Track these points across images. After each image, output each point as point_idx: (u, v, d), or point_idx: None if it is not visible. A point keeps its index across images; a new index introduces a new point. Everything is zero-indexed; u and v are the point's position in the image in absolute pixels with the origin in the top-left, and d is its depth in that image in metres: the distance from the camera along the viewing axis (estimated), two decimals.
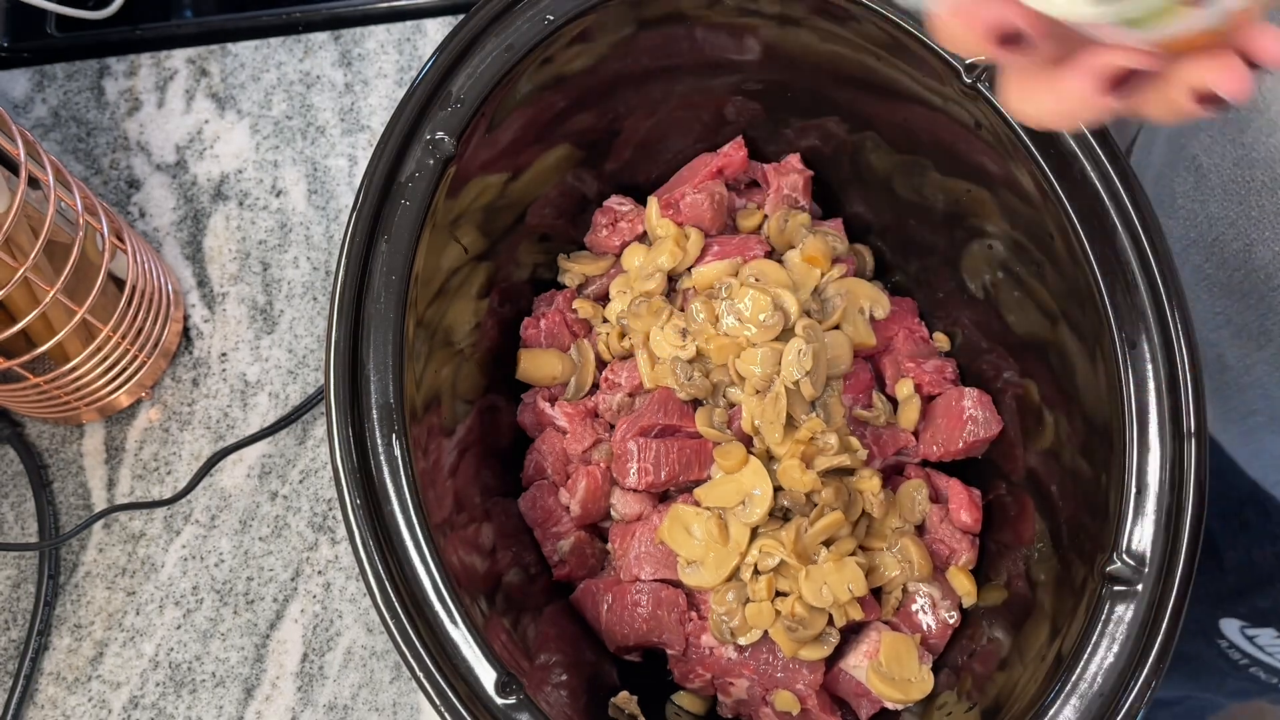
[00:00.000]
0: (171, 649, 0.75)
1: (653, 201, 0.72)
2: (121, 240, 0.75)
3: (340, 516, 0.77)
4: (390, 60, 0.89)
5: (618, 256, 0.74)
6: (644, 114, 0.70)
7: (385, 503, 0.53)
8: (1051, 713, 0.53)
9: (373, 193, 0.57)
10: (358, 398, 0.55)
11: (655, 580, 0.65)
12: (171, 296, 0.80)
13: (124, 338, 0.75)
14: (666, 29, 0.64)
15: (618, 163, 0.73)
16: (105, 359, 0.75)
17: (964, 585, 0.66)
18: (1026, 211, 0.61)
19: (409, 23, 0.91)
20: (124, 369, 0.77)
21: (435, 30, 0.90)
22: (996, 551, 0.67)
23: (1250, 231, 0.71)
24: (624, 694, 0.63)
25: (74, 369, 0.73)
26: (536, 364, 0.70)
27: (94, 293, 0.70)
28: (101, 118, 0.87)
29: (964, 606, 0.67)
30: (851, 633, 0.66)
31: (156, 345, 0.79)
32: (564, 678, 0.61)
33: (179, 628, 0.76)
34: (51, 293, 0.66)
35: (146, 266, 0.77)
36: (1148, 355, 0.55)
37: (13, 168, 0.65)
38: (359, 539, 0.52)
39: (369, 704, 0.74)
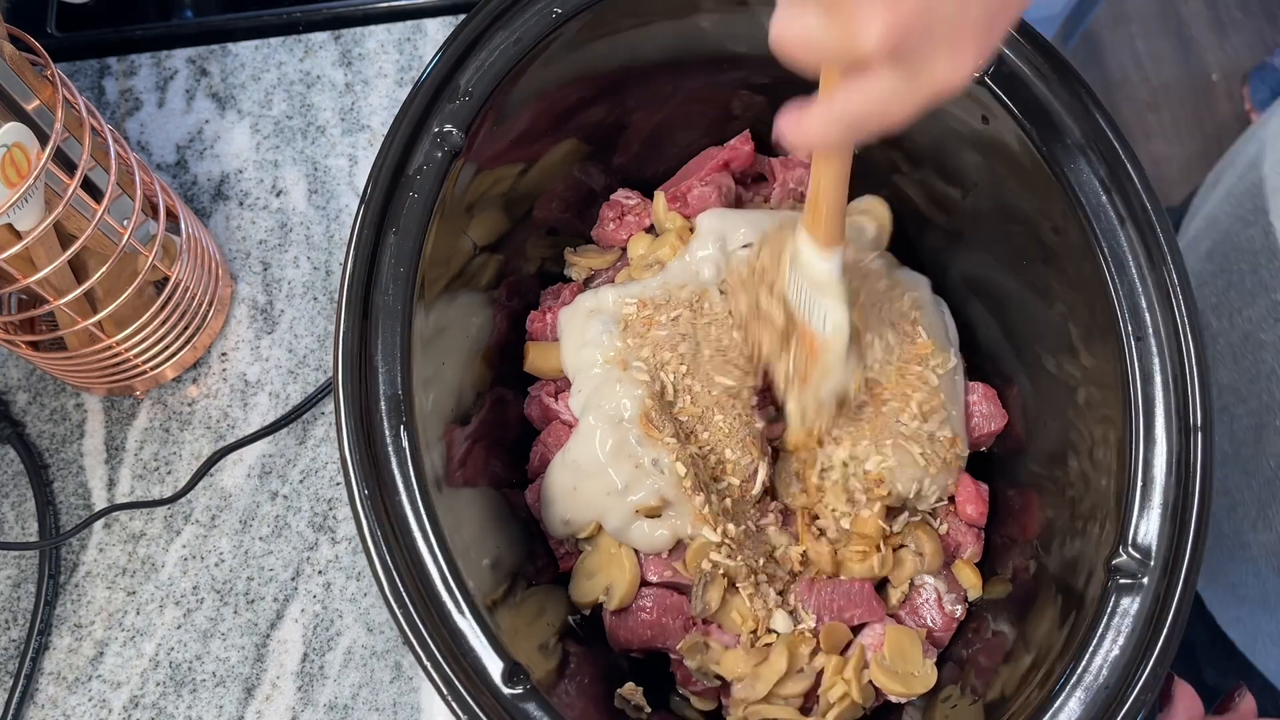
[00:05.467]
0: (172, 649, 0.75)
1: (660, 195, 0.72)
2: (177, 232, 0.77)
3: (341, 516, 0.77)
4: (390, 60, 0.89)
5: (624, 250, 0.74)
6: (651, 108, 0.70)
7: (393, 493, 0.53)
8: (1056, 705, 0.53)
9: (381, 185, 0.57)
10: (366, 389, 0.54)
11: (661, 585, 0.65)
12: (220, 273, 0.82)
13: (176, 309, 0.77)
14: (674, 23, 0.65)
15: (625, 156, 0.74)
16: (164, 323, 0.77)
17: (969, 578, 0.66)
18: (1033, 205, 0.61)
19: (409, 23, 0.91)
20: (175, 338, 0.78)
21: (435, 30, 0.90)
22: (1001, 545, 0.67)
23: (1262, 414, 0.71)
24: (629, 685, 0.63)
25: (139, 329, 0.75)
26: (543, 357, 0.70)
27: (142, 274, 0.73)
28: (101, 117, 0.87)
29: (969, 600, 0.67)
30: (854, 628, 0.66)
31: (208, 316, 0.80)
32: (571, 667, 0.60)
33: (179, 627, 0.75)
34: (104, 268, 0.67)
35: (199, 247, 0.79)
36: (1154, 349, 0.55)
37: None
38: (367, 529, 0.52)
39: (369, 704, 0.74)
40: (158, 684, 0.74)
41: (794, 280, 0.61)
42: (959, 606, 0.66)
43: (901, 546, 0.67)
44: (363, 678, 0.74)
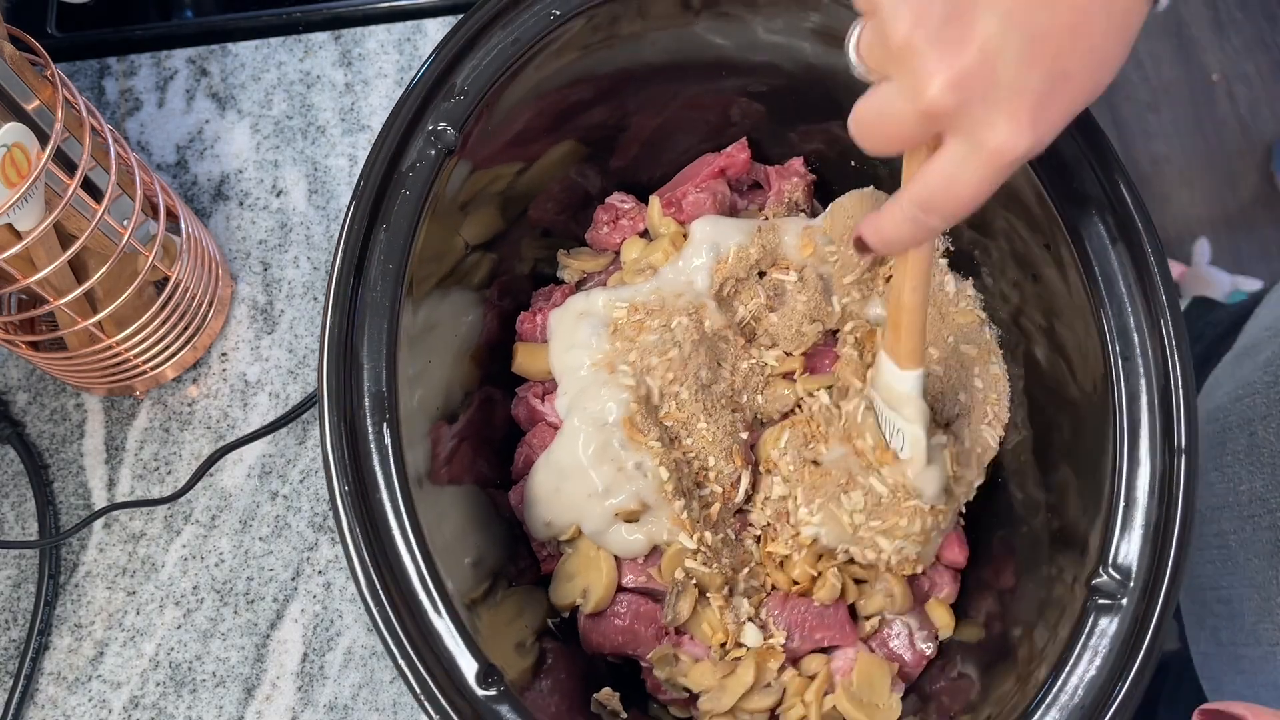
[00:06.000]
0: (172, 649, 0.76)
1: (654, 200, 0.72)
2: (178, 233, 0.77)
3: None
4: (390, 60, 0.89)
5: (618, 254, 0.74)
6: (650, 112, 0.70)
7: (374, 491, 0.53)
8: None
9: (373, 182, 0.57)
10: (350, 385, 0.55)
11: (636, 591, 0.65)
12: (220, 273, 0.82)
13: (176, 309, 0.77)
14: (674, 29, 0.64)
15: (622, 160, 0.73)
16: (164, 323, 0.77)
17: (943, 618, 0.66)
18: (1022, 222, 0.61)
19: (409, 23, 0.90)
20: (175, 338, 0.79)
21: (435, 30, 0.90)
22: (976, 584, 0.67)
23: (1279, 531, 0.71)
24: (606, 690, 0.63)
25: (139, 329, 0.75)
26: (532, 358, 0.70)
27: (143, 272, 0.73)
28: (101, 117, 0.88)
29: (940, 639, 0.66)
30: (824, 650, 0.66)
31: (208, 317, 0.81)
32: (548, 670, 0.61)
33: (179, 627, 0.76)
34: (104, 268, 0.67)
35: (199, 247, 0.79)
36: (1141, 369, 0.55)
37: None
38: (346, 525, 0.52)
39: (369, 704, 0.74)
40: (158, 684, 0.75)
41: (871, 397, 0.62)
42: (930, 644, 0.65)
43: (865, 580, 0.66)
44: (363, 678, 0.75)
